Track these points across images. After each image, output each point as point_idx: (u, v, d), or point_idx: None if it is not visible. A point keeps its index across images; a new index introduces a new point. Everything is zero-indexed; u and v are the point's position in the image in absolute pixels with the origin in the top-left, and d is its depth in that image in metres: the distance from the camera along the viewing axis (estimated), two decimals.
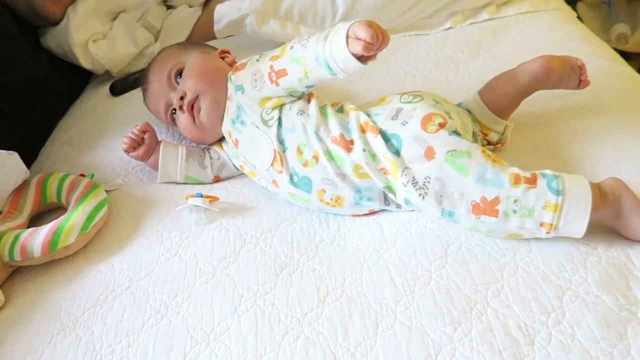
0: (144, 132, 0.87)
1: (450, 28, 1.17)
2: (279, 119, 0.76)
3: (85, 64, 1.18)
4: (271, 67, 0.74)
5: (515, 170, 0.66)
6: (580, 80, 0.81)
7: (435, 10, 1.18)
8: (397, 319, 0.62)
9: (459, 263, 0.67)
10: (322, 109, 0.76)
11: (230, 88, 0.80)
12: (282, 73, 0.73)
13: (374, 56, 0.68)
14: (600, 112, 0.87)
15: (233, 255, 0.73)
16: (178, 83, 0.85)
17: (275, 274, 0.70)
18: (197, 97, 0.84)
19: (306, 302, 0.65)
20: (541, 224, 0.64)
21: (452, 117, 0.74)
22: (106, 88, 1.16)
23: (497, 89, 0.82)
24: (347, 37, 0.65)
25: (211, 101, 0.83)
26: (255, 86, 0.76)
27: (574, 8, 1.69)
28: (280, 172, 0.76)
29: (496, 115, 0.82)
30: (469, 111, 0.83)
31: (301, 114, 0.75)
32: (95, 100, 1.14)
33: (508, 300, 0.62)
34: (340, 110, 0.78)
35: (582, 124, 0.86)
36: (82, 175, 0.87)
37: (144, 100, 0.93)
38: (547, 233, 0.65)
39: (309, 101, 0.77)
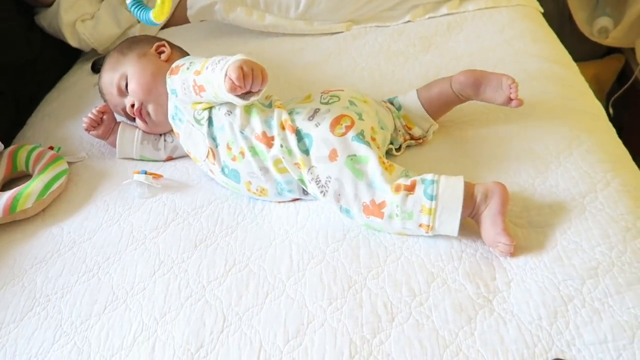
0: (103, 113, 0.97)
1: (409, 21, 1.22)
2: (210, 118, 0.84)
3: (73, 42, 1.29)
4: (194, 81, 0.80)
5: (399, 180, 0.73)
6: (510, 99, 0.84)
7: (396, 2, 1.22)
8: (284, 291, 0.72)
9: (352, 248, 0.76)
10: (246, 108, 0.82)
11: (168, 88, 0.88)
12: (202, 89, 0.80)
13: (254, 93, 0.75)
14: (523, 115, 0.92)
15: (164, 226, 0.84)
16: (127, 90, 0.93)
17: (195, 245, 0.80)
18: (142, 104, 0.92)
19: (213, 271, 0.76)
20: (420, 225, 0.72)
21: (363, 118, 0.81)
22: (90, 65, 1.27)
23: (433, 91, 0.89)
24: (225, 74, 0.73)
25: (154, 105, 0.92)
26: (185, 94, 0.84)
27: None
28: (214, 164, 0.85)
29: (427, 114, 0.89)
30: (399, 107, 0.90)
31: (228, 115, 0.82)
32: (78, 77, 1.26)
33: (384, 282, 0.71)
34: (269, 105, 0.85)
35: (501, 126, 0.91)
36: (51, 147, 0.99)
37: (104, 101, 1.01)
38: (427, 232, 0.73)
39: None
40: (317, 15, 1.23)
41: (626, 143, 0.92)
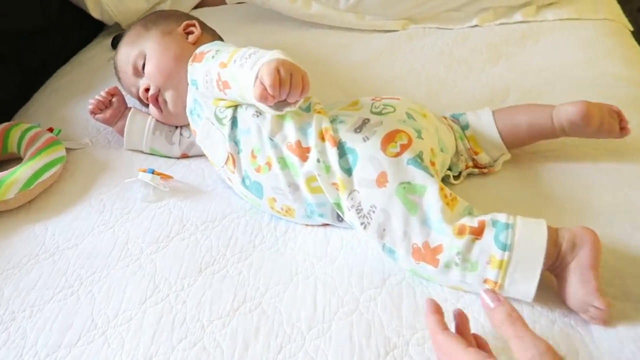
0: (112, 95, 0.85)
1: (476, 26, 1.06)
2: (234, 118, 0.70)
3: (95, 13, 1.16)
4: (219, 75, 0.67)
5: (463, 220, 0.58)
6: (621, 128, 0.71)
7: (464, 2, 1.07)
8: (303, 347, 0.57)
9: (392, 298, 0.61)
10: None
11: (188, 78, 0.75)
12: (226, 85, 0.67)
13: (290, 104, 0.60)
14: (612, 151, 0.76)
15: (166, 240, 0.70)
16: (144, 72, 0.81)
17: (199, 269, 0.66)
18: (159, 89, 0.80)
19: (217, 308, 0.61)
20: (484, 280, 0.56)
21: (423, 136, 0.66)
22: (110, 40, 1.14)
23: (520, 118, 0.73)
24: (256, 76, 0.59)
25: (172, 93, 0.79)
26: (207, 87, 0.70)
27: None
28: (233, 172, 0.71)
29: (502, 142, 0.73)
30: (465, 126, 0.75)
31: (257, 116, 0.68)
32: (96, 52, 1.13)
33: (431, 352, 0.56)
34: (308, 108, 0.71)
35: (585, 161, 0.75)
36: (51, 129, 0.85)
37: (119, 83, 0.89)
38: (496, 287, 0.56)
39: None
40: (370, 8, 1.07)
41: None
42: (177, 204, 0.75)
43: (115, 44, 1.12)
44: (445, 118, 0.76)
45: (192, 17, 0.88)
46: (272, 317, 0.60)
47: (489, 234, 0.56)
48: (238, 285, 0.63)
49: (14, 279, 0.66)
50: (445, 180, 0.73)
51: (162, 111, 0.82)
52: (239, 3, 1.16)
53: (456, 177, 0.74)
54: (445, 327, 0.49)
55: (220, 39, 0.86)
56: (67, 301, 0.63)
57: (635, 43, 1.06)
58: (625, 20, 1.10)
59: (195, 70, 0.72)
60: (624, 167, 0.73)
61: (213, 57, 0.69)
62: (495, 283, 0.56)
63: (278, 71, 0.57)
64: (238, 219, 0.73)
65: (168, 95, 0.80)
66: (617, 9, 1.11)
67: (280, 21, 1.11)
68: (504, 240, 0.55)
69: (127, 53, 0.83)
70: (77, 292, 0.64)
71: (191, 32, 0.83)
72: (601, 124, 0.69)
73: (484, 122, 0.73)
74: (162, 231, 0.71)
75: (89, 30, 1.24)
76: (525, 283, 0.55)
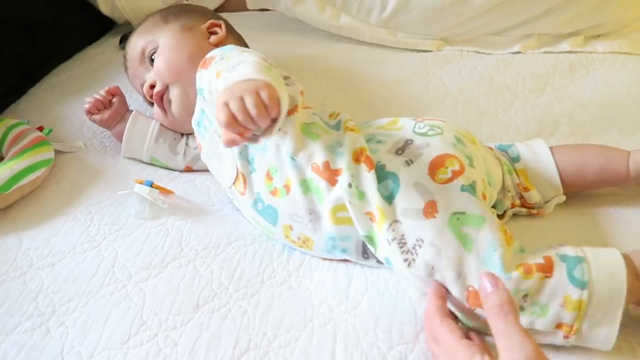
0: (113, 95, 0.76)
1: (518, 52, 0.97)
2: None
3: (104, 8, 1.08)
4: (216, 87, 0.57)
5: (526, 259, 0.50)
6: None
7: (505, 27, 0.98)
8: None
9: (427, 357, 0.50)
10: (306, 127, 0.60)
11: (197, 85, 0.65)
12: None
13: (264, 135, 0.49)
14: None
15: (159, 266, 0.59)
16: (154, 65, 0.72)
17: (197, 305, 0.55)
18: (166, 88, 0.71)
19: (215, 355, 0.50)
20: (557, 326, 0.47)
21: (474, 164, 0.57)
22: (118, 39, 1.05)
23: (592, 159, 0.64)
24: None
25: (180, 94, 0.71)
26: (211, 97, 0.61)
27: None
28: (243, 194, 0.62)
29: (560, 182, 0.64)
30: (516, 158, 0.65)
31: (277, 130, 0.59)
32: (102, 49, 1.04)
33: None
34: (337, 126, 0.62)
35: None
36: (40, 128, 0.76)
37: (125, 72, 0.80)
38: (566, 338, 0.48)
39: (291, 113, 0.60)
40: (404, 25, 0.99)
41: None
42: (176, 223, 0.65)
43: (123, 43, 1.04)
44: (491, 149, 0.66)
45: (220, 17, 0.79)
46: None
47: (560, 270, 0.49)
48: (241, 329, 0.53)
49: None
50: None
51: (166, 113, 0.72)
52: (262, 10, 1.08)
53: (500, 217, 0.64)
54: (445, 314, 0.49)
55: (246, 47, 0.78)
56: (34, 333, 0.52)
57: None
58: None
59: (203, 78, 0.62)
60: None
61: (217, 62, 0.60)
62: (571, 328, 0.47)
63: (227, 106, 0.47)
64: (245, 246, 0.63)
65: (174, 96, 0.71)
66: None
67: (306, 32, 1.02)
68: (580, 277, 0.47)
69: (138, 41, 0.75)
70: (46, 323, 0.53)
71: (215, 33, 0.75)
72: None
73: (540, 156, 0.64)
74: (156, 255, 0.61)
75: (97, 28, 1.15)
76: (606, 325, 0.46)
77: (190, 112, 0.69)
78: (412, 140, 0.58)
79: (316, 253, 0.60)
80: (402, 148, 0.57)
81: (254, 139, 0.50)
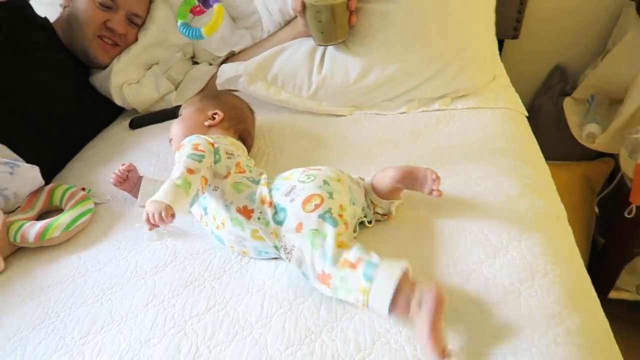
0: (128, 171, 1.14)
1: (404, 112, 1.38)
2: None
3: (118, 101, 1.50)
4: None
5: (346, 256, 0.82)
6: (432, 190, 0.94)
7: (395, 95, 1.38)
8: (251, 334, 0.83)
9: (315, 304, 0.86)
10: (235, 184, 0.95)
11: None
12: None
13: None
14: (485, 206, 1.03)
15: (163, 266, 0.98)
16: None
17: (185, 285, 0.94)
18: (170, 140, 1.14)
19: (196, 309, 0.88)
20: (357, 300, 0.81)
21: (334, 197, 0.93)
22: (128, 122, 1.48)
23: (380, 178, 0.99)
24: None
25: (176, 149, 1.10)
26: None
27: (562, 102, 1.85)
28: (207, 225, 1.00)
29: (378, 197, 1.00)
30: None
31: (215, 190, 0.95)
32: (117, 130, 1.47)
33: (336, 336, 0.82)
34: (258, 181, 0.99)
35: (466, 212, 1.03)
36: (83, 188, 1.17)
37: None
38: (363, 307, 0.82)
39: (226, 177, 0.96)
40: (325, 97, 1.40)
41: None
42: (172, 242, 1.05)
43: (132, 125, 1.47)
44: (361, 178, 1.04)
45: (234, 108, 1.20)
46: (232, 315, 0.87)
47: (360, 269, 0.80)
48: (211, 296, 0.91)
49: (57, 291, 0.95)
50: (362, 224, 1.02)
51: None
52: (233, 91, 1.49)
53: (370, 222, 1.02)
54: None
55: (246, 127, 1.21)
56: (94, 305, 0.92)
57: (527, 126, 1.38)
58: (521, 107, 1.42)
59: (176, 157, 0.99)
60: (488, 215, 1.02)
61: (182, 150, 0.97)
62: (362, 303, 0.80)
63: (149, 209, 0.85)
64: (215, 253, 1.01)
65: (173, 149, 1.14)
66: (516, 99, 1.42)
67: (260, 103, 1.41)
68: (370, 274, 0.79)
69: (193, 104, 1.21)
70: (100, 300, 0.93)
71: (213, 118, 1.15)
72: (412, 185, 0.95)
73: (368, 185, 1.01)
74: (160, 260, 1.00)
75: (113, 113, 1.59)
76: (380, 306, 0.79)
77: None
78: (295, 186, 0.93)
79: (253, 257, 0.98)
80: (289, 192, 0.92)
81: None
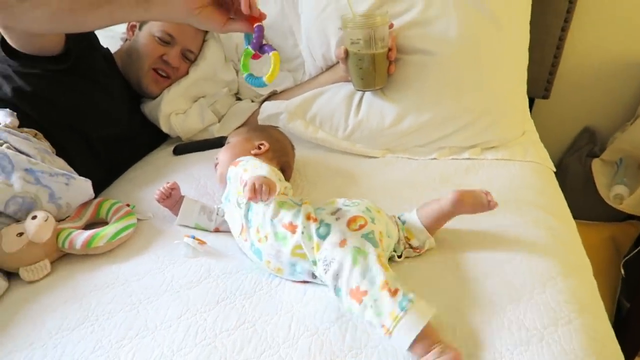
0: (172, 189, 1.22)
1: (435, 159, 1.44)
2: (249, 204, 1.06)
3: (165, 129, 1.60)
4: (241, 176, 1.09)
5: (388, 279, 0.86)
6: (488, 201, 1.05)
7: (427, 141, 1.45)
8: (278, 352, 0.87)
9: (340, 330, 0.91)
10: (281, 203, 1.02)
11: (227, 175, 1.14)
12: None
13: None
14: (512, 252, 1.06)
15: (197, 282, 1.03)
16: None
17: (217, 302, 0.98)
18: (215, 165, 1.23)
19: (226, 324, 0.92)
20: (382, 325, 0.83)
21: (375, 222, 1.00)
22: (172, 148, 1.58)
23: (428, 207, 1.08)
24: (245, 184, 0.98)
25: (220, 173, 1.20)
26: (234, 184, 1.11)
27: (590, 163, 1.88)
28: (245, 240, 1.07)
29: (423, 227, 1.07)
30: (404, 222, 1.10)
31: (265, 205, 1.04)
32: (161, 155, 1.56)
33: None
34: (300, 204, 1.06)
35: (489, 255, 1.07)
36: (128, 204, 1.24)
37: None
38: (385, 334, 0.83)
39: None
40: (359, 139, 1.48)
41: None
42: (207, 260, 1.10)
43: (175, 151, 1.56)
44: (394, 216, 1.11)
45: (279, 141, 1.30)
46: (260, 333, 0.91)
47: (398, 298, 0.83)
48: (241, 313, 0.95)
49: (98, 296, 1.00)
50: (392, 259, 1.06)
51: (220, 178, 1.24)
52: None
53: (399, 257, 1.07)
54: None
55: (288, 160, 1.30)
56: (131, 313, 0.96)
57: (554, 180, 1.42)
58: (549, 162, 1.46)
59: (231, 171, 1.11)
60: (514, 261, 1.05)
61: (240, 165, 1.10)
62: (388, 329, 0.82)
63: (253, 184, 0.95)
64: (247, 274, 1.06)
65: (219, 170, 1.24)
66: (545, 154, 1.47)
67: (299, 139, 1.50)
68: (405, 306, 0.82)
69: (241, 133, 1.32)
70: (137, 308, 0.98)
71: (259, 148, 1.23)
72: (473, 205, 1.05)
73: (412, 216, 1.08)
74: (195, 276, 1.05)
75: (158, 138, 1.69)
76: (406, 339, 0.81)
77: (223, 180, 1.17)
78: (340, 209, 1.02)
79: (285, 277, 1.03)
80: (335, 212, 1.01)
81: (259, 201, 0.98)
